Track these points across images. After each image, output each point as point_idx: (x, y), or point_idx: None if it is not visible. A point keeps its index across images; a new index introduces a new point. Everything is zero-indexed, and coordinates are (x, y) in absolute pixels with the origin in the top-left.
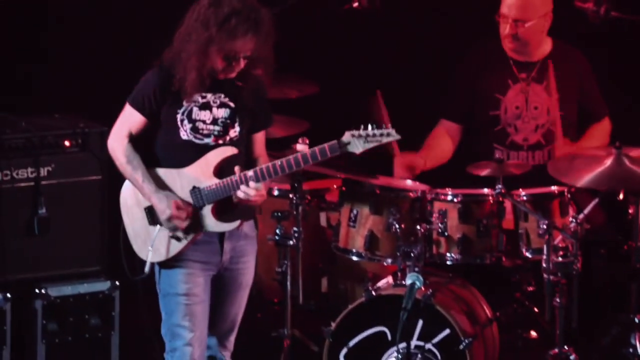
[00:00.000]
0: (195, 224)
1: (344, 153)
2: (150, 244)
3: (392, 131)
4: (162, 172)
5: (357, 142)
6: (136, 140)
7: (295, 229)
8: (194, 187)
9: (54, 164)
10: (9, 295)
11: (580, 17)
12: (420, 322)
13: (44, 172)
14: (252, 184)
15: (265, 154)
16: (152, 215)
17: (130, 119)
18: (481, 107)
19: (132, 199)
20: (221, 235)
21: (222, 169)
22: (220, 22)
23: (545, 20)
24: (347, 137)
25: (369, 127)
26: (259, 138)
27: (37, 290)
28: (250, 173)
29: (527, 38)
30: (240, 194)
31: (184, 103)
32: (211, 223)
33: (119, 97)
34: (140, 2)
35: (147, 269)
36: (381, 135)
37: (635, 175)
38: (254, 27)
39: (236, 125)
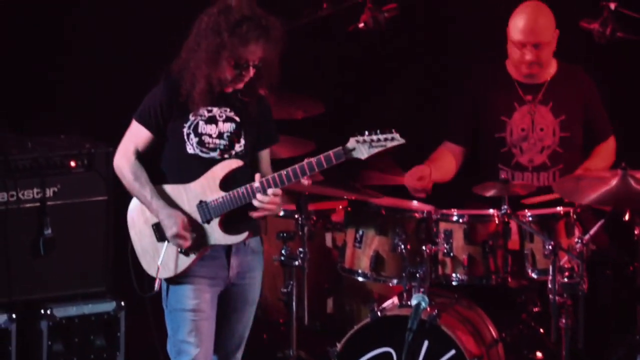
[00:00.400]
0: (203, 239)
1: (350, 159)
2: (159, 261)
3: (397, 135)
4: (168, 188)
5: (361, 147)
6: (142, 157)
7: (300, 249)
8: (201, 202)
9: (59, 184)
10: (14, 315)
11: (586, 38)
12: (426, 343)
13: (49, 192)
14: (270, 190)
15: (270, 172)
16: (159, 232)
17: (136, 135)
18: (486, 129)
19: (139, 217)
20: (228, 250)
21: (228, 182)
22: (232, 28)
23: (554, 38)
24: (351, 143)
25: (373, 132)
26: (265, 156)
27: (42, 311)
28: (256, 184)
29: (544, 60)
30: (256, 202)
31: (190, 117)
32: (219, 236)
33: (124, 117)
34: (145, 20)
35: (156, 286)
36: (385, 139)
37: None
38: (266, 34)
39: (241, 139)
